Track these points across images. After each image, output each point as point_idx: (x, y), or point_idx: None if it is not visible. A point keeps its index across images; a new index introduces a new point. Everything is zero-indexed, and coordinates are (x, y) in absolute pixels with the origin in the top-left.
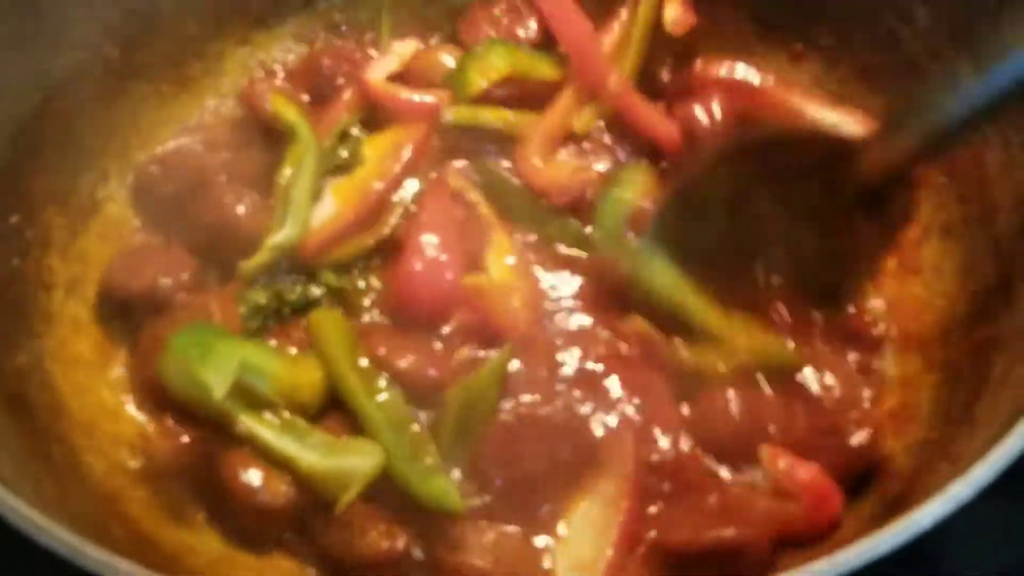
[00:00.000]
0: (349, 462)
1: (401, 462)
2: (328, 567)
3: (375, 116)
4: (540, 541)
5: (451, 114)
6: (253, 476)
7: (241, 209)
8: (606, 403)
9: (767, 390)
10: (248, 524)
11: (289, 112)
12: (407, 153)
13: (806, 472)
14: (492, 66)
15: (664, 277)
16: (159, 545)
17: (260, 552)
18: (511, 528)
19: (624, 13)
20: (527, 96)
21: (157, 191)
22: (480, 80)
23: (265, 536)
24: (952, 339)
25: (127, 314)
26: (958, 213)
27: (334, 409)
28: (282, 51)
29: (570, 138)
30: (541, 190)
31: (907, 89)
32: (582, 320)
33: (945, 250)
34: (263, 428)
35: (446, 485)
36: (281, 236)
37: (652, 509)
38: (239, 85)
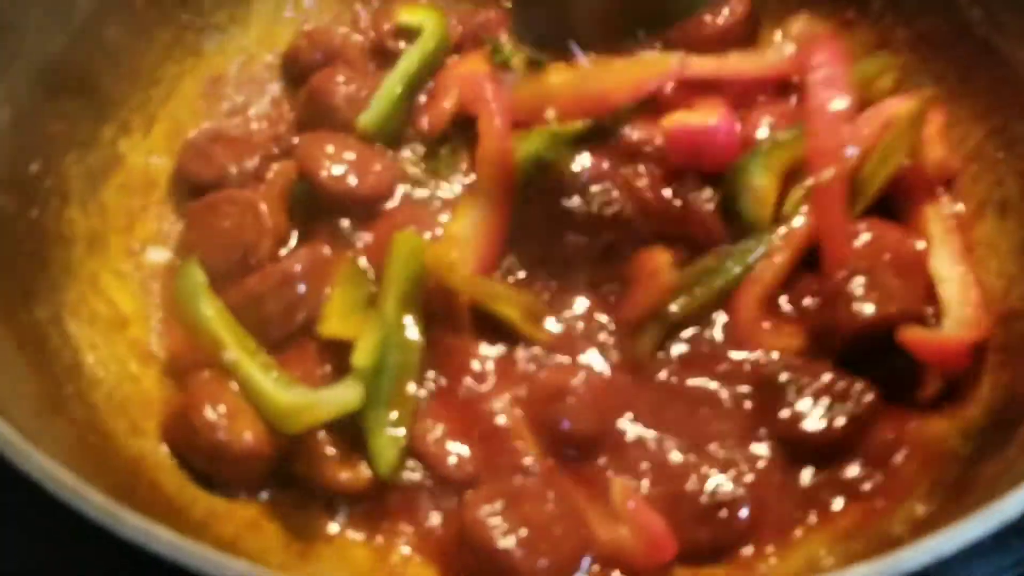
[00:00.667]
0: (325, 395)
1: (371, 407)
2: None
3: None
4: None
5: None
6: (217, 413)
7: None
8: None
9: None
10: (210, 466)
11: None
12: None
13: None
14: None
15: None
16: (185, 511)
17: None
18: None
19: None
20: None
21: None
22: None
23: (233, 481)
24: (1009, 320)
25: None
26: (1016, 189)
27: None
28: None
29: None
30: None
31: (961, 60)
32: None
33: (1002, 229)
34: (247, 359)
35: (388, 448)
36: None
37: None
38: (263, 37)
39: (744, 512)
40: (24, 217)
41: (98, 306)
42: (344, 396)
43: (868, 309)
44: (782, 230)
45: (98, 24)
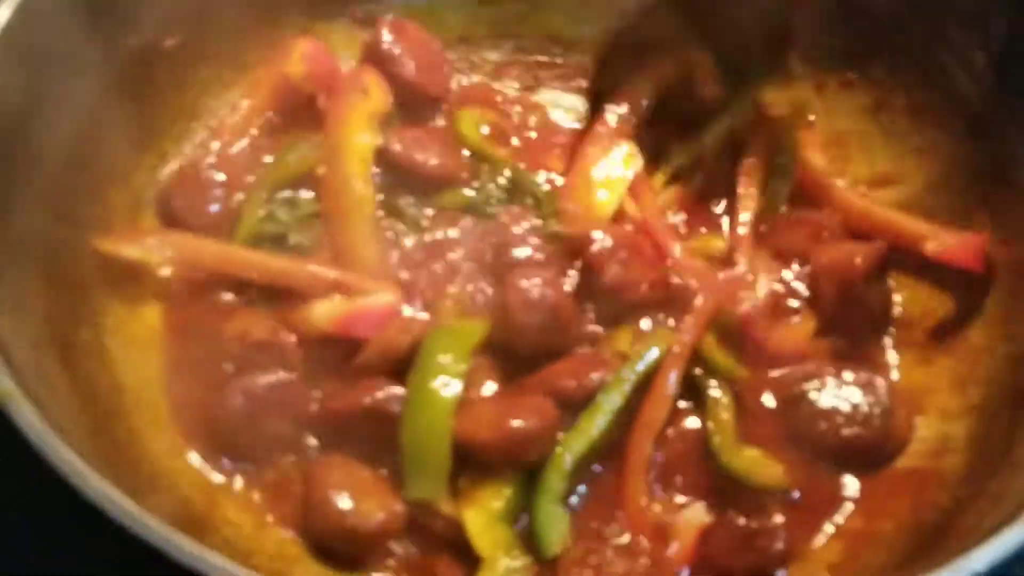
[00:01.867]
0: None
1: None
2: None
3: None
4: None
5: None
6: (348, 499)
7: None
8: None
9: None
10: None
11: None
12: None
13: None
14: None
15: None
16: (211, 528)
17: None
18: None
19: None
20: None
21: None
22: None
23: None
24: (994, 376)
25: None
26: (1005, 255)
27: None
28: (344, 38)
29: None
30: None
31: (954, 129)
32: None
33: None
34: None
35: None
36: None
37: None
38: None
39: (780, 544)
40: (72, 244)
41: (135, 328)
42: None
43: None
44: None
45: (141, 64)
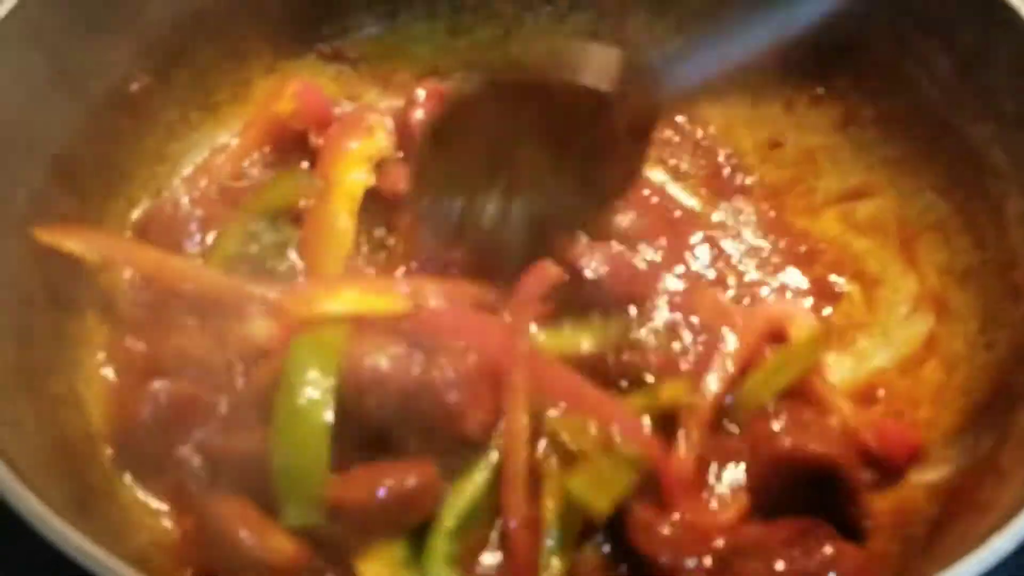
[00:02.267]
0: None
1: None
2: None
3: None
4: None
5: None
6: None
7: None
8: None
9: None
10: None
11: None
12: None
13: None
14: None
15: None
16: None
17: None
18: None
19: None
20: None
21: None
22: None
23: None
24: (972, 390)
25: None
26: (977, 259)
27: None
28: (310, 75)
29: None
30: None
31: (923, 137)
32: None
33: (964, 299)
34: None
35: None
36: None
37: None
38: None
39: None
40: (41, 291)
41: (110, 375)
42: None
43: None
44: None
45: (108, 109)
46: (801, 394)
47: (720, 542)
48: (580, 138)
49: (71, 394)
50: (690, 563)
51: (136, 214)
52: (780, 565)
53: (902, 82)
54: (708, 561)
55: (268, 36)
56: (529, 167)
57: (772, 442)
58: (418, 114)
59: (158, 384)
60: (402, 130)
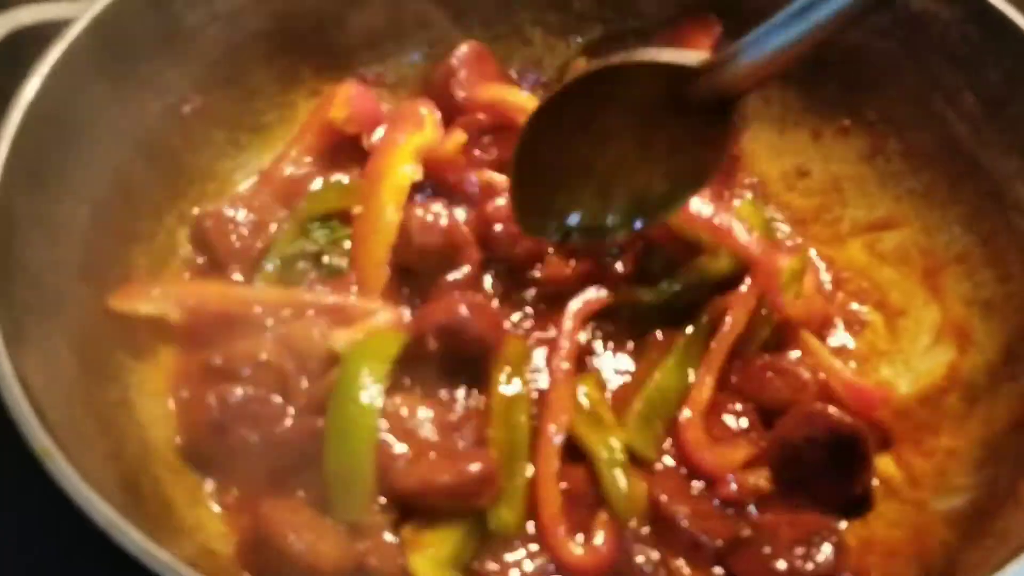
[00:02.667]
0: None
1: None
2: None
3: None
4: None
5: None
6: (302, 540)
7: None
8: None
9: None
10: None
11: None
12: None
13: None
14: None
15: None
16: None
17: None
18: None
19: None
20: None
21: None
22: None
23: None
24: (993, 417)
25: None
26: (1000, 292)
27: None
28: None
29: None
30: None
31: (949, 171)
32: None
33: (987, 329)
34: None
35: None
36: None
37: None
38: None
39: None
40: (97, 304)
41: (157, 383)
42: None
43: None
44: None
45: (162, 128)
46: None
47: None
48: (667, 121)
49: (123, 400)
50: (704, 539)
51: (184, 231)
52: (782, 564)
53: (929, 116)
54: (720, 542)
55: (312, 62)
56: (621, 155)
57: (799, 408)
58: (461, 74)
59: (226, 386)
60: (441, 90)
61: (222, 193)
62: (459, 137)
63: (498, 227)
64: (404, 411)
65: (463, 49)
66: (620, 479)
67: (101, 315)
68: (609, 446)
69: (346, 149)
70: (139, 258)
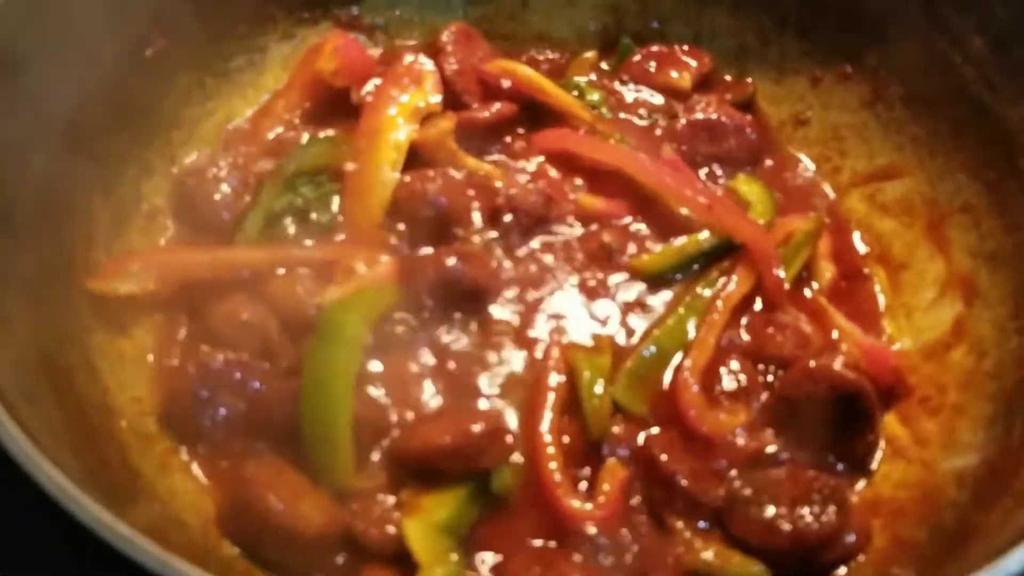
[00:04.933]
0: None
1: None
2: None
3: None
4: None
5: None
6: (281, 499)
7: None
8: None
9: None
10: (283, 555)
11: None
12: None
13: None
14: None
15: None
16: (213, 551)
17: None
18: None
19: None
20: None
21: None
22: None
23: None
24: (1004, 373)
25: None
26: (1008, 242)
27: None
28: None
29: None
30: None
31: (954, 117)
32: None
33: (993, 281)
34: None
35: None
36: None
37: None
38: (279, 81)
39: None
40: (57, 258)
41: (124, 345)
42: None
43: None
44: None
45: (123, 71)
46: (810, 311)
47: (737, 482)
48: None
49: (85, 364)
50: (704, 499)
51: (150, 183)
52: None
53: (933, 60)
54: (719, 502)
55: (284, 2)
56: None
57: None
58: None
59: (206, 348)
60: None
61: (187, 142)
62: (446, 123)
63: None
64: (400, 373)
65: (452, 29)
66: (597, 388)
67: (60, 274)
68: (595, 365)
69: (332, 102)
70: (100, 211)
